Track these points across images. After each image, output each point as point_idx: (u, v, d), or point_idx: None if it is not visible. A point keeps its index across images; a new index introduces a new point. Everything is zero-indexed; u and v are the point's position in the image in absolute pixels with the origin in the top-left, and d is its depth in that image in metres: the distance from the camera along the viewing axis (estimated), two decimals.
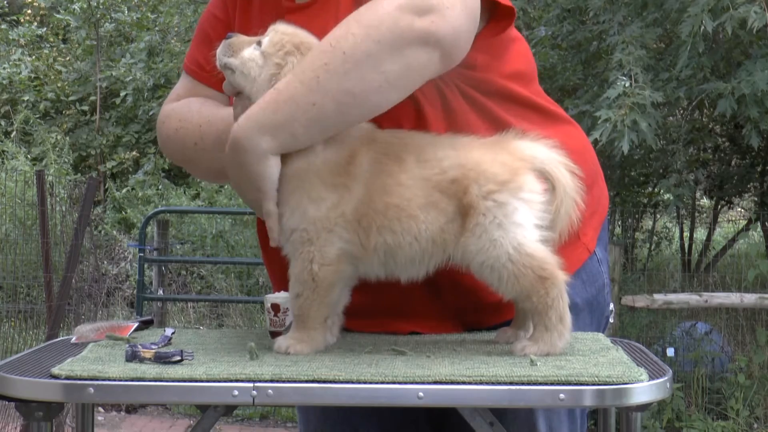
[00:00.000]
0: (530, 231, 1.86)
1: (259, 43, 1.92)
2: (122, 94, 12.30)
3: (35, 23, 14.36)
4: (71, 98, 13.02)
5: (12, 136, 11.97)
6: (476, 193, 1.84)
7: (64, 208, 7.14)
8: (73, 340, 2.08)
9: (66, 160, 11.58)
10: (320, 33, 1.89)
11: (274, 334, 2.01)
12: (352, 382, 1.66)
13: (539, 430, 2.08)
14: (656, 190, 9.48)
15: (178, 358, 1.76)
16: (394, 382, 1.66)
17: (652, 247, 10.29)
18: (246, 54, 1.91)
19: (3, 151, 11.29)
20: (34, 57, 13.52)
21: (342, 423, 2.22)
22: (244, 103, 1.91)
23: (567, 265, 1.90)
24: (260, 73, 1.89)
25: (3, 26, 14.00)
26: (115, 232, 10.74)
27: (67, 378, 1.67)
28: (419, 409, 2.18)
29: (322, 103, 1.77)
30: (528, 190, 1.86)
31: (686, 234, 10.11)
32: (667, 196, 7.35)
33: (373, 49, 1.75)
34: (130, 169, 12.39)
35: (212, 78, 2.16)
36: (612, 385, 1.66)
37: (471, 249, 1.85)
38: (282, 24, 1.93)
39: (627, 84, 5.55)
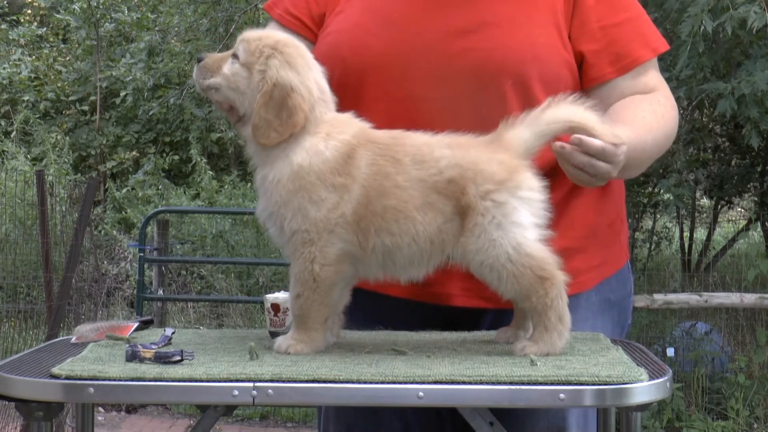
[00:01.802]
0: (529, 230, 1.86)
1: (235, 57, 1.93)
2: (122, 94, 12.29)
3: (35, 23, 14.36)
4: (71, 98, 13.02)
5: (12, 136, 11.96)
6: (474, 193, 1.84)
7: (64, 208, 7.13)
8: (73, 340, 2.08)
9: (66, 160, 11.58)
10: None
11: (274, 334, 2.01)
12: (352, 382, 1.66)
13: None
14: (656, 190, 9.47)
15: (178, 358, 1.76)
16: (394, 382, 1.66)
17: (652, 247, 10.27)
18: (227, 70, 1.93)
19: (3, 151, 11.29)
20: (34, 57, 13.52)
21: (364, 409, 2.21)
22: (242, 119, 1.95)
23: (610, 263, 1.96)
24: (248, 84, 1.92)
25: (3, 26, 14.00)
26: (115, 232, 10.73)
27: (67, 378, 1.67)
28: None
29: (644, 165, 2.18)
30: (527, 189, 1.86)
31: (686, 234, 10.10)
32: (667, 196, 7.35)
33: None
34: (130, 169, 12.39)
35: (297, 23, 2.24)
36: (612, 385, 1.66)
37: (470, 249, 1.85)
38: (247, 32, 1.97)
39: None
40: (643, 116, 2.13)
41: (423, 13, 2.14)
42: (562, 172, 2.07)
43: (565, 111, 1.92)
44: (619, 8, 2.22)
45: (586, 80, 2.20)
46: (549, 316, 1.85)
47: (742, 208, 11.26)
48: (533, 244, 1.85)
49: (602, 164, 1.93)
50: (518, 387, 1.65)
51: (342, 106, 2.06)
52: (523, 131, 1.90)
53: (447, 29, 2.11)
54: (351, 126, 1.94)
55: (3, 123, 12.66)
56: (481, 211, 1.84)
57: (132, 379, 1.67)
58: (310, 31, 2.24)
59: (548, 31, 2.15)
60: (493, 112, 2.04)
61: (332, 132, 1.90)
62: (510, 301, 1.96)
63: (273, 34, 1.97)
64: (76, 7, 12.82)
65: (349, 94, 2.10)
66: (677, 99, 6.17)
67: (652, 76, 2.24)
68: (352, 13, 2.19)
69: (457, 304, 2.17)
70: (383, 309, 2.20)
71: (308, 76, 1.93)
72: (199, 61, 1.97)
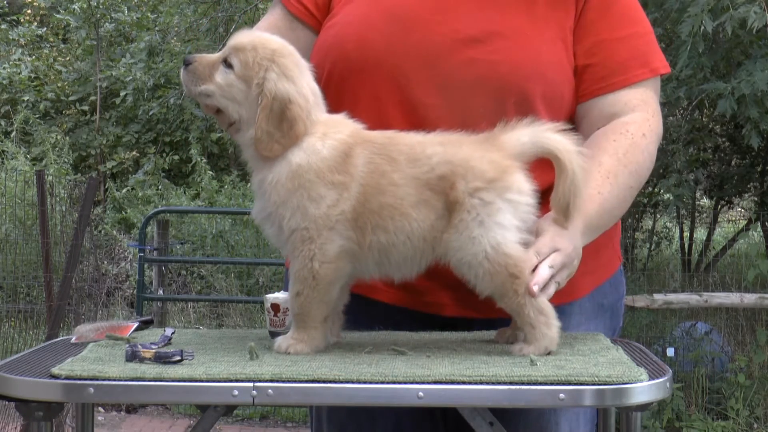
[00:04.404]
0: (511, 232, 1.86)
1: (227, 65, 1.92)
2: (122, 94, 12.30)
3: (35, 23, 14.37)
4: (71, 98, 13.02)
5: (12, 136, 11.96)
6: (462, 189, 1.85)
7: (64, 208, 7.13)
8: (73, 340, 2.08)
9: (66, 160, 11.58)
10: None
11: (274, 334, 2.01)
12: (352, 382, 1.66)
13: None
14: (656, 190, 9.47)
15: (178, 358, 1.76)
16: (394, 382, 1.66)
17: (652, 247, 10.27)
18: (221, 80, 1.92)
19: (3, 151, 11.29)
20: (34, 57, 13.52)
21: (357, 409, 2.20)
22: (239, 127, 1.93)
23: (604, 269, 1.96)
24: (246, 97, 1.91)
25: (3, 26, 14.00)
26: (115, 232, 10.74)
27: (67, 378, 1.67)
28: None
29: (620, 212, 2.11)
30: (516, 191, 1.86)
31: (686, 234, 10.10)
32: (667, 196, 7.35)
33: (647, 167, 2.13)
34: (130, 169, 12.39)
35: (303, 10, 2.21)
36: (612, 385, 1.66)
37: (453, 245, 1.86)
38: (240, 35, 1.94)
39: None
40: (597, 171, 2.04)
41: (431, 14, 2.09)
42: None
43: (567, 149, 1.87)
44: (625, 23, 2.15)
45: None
46: (527, 312, 1.85)
47: (742, 208, 11.26)
48: (513, 245, 1.85)
49: (565, 274, 1.91)
50: (518, 387, 1.65)
51: (341, 100, 2.05)
52: (524, 135, 1.90)
53: (454, 35, 2.06)
54: (346, 126, 1.94)
55: (3, 123, 12.66)
56: (467, 208, 1.85)
57: (132, 379, 1.67)
58: (314, 18, 2.21)
59: (556, 48, 2.10)
60: (491, 126, 1.97)
61: (328, 131, 1.91)
62: (499, 309, 1.95)
63: (267, 41, 1.94)
64: (76, 7, 12.83)
65: (348, 88, 2.08)
66: (677, 99, 6.20)
67: (636, 95, 2.13)
68: (360, 3, 2.15)
69: (448, 314, 2.16)
70: (372, 314, 2.18)
71: (303, 83, 1.93)
72: (187, 64, 1.94)
